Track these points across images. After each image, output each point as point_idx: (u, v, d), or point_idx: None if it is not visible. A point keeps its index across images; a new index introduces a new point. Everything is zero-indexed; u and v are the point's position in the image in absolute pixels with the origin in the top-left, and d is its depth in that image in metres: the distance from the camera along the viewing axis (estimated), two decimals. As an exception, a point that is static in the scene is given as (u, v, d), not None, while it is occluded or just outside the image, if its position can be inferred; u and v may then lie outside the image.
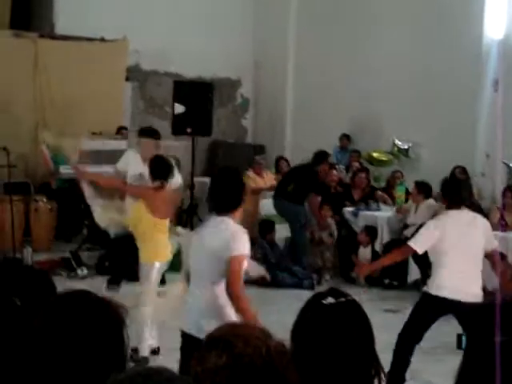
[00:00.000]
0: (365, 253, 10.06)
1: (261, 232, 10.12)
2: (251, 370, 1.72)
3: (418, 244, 6.04)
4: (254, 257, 9.86)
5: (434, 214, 9.74)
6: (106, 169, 10.63)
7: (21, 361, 2.01)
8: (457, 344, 7.07)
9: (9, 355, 2.17)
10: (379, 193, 11.27)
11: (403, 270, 9.68)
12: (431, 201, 10.08)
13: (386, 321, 7.39)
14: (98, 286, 9.12)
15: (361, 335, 2.30)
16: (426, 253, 9.30)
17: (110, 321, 1.98)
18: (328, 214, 10.49)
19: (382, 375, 2.34)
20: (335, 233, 10.43)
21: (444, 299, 5.97)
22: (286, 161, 12.48)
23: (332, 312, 2.30)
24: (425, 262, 9.43)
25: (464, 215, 6.08)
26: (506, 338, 1.86)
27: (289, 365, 1.78)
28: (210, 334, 1.84)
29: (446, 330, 7.91)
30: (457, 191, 6.07)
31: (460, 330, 6.38)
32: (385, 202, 11.02)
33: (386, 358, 2.37)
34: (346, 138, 13.59)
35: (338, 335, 2.27)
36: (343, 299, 2.35)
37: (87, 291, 2.07)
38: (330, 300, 2.32)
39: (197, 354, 1.79)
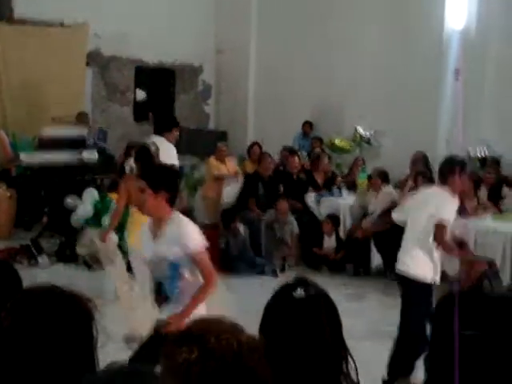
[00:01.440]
0: (330, 242, 10.11)
1: (223, 221, 10.08)
2: (223, 365, 1.71)
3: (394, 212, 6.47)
4: (217, 247, 9.89)
5: (393, 202, 9.90)
6: (66, 155, 10.55)
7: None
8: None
9: None
10: (339, 179, 11.32)
11: (366, 257, 9.75)
12: (390, 187, 10.17)
13: (349, 307, 7.44)
14: (58, 273, 9.07)
15: (331, 327, 2.31)
16: (387, 239, 9.44)
17: (78, 315, 1.96)
18: (284, 206, 10.31)
19: (350, 360, 2.35)
20: (296, 229, 10.36)
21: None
22: (260, 147, 12.44)
23: (303, 305, 2.29)
24: (386, 249, 9.56)
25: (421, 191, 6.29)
26: (472, 332, 1.86)
27: (260, 359, 1.78)
28: (181, 330, 1.82)
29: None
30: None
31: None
32: (348, 188, 11.09)
33: (349, 343, 2.39)
34: (308, 124, 13.64)
35: (309, 328, 2.27)
36: (313, 292, 2.34)
37: (54, 285, 2.05)
38: (300, 293, 2.31)
39: (166, 348, 1.77)
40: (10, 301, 2.00)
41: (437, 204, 5.83)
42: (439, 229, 5.78)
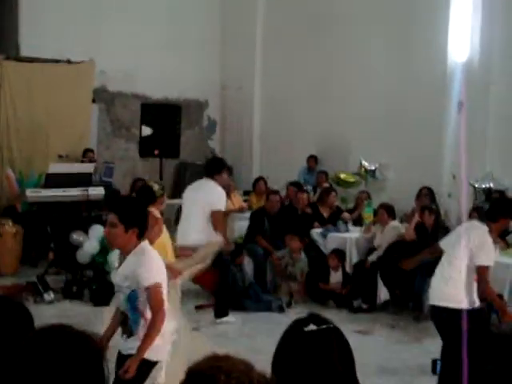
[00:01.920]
0: (336, 277, 10.07)
1: (230, 256, 10.05)
2: None
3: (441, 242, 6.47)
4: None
5: (399, 236, 9.90)
6: (73, 192, 10.58)
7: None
8: (432, 369, 7.05)
9: None
10: (345, 214, 11.31)
11: (372, 292, 9.70)
12: (396, 222, 10.17)
13: (356, 342, 7.38)
14: (65, 310, 9.03)
15: (344, 360, 2.29)
16: (393, 274, 9.41)
17: (90, 355, 1.95)
18: (297, 245, 10.32)
19: None
20: (306, 266, 10.35)
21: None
22: (265, 181, 12.47)
23: (314, 340, 2.29)
24: (393, 283, 9.52)
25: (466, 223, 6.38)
26: (492, 367, 1.86)
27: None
28: (191, 367, 1.81)
29: (416, 351, 7.98)
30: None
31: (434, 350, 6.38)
32: (354, 223, 11.08)
33: (360, 379, 2.38)
34: (313, 158, 13.68)
35: (322, 362, 2.26)
36: (325, 326, 2.33)
37: (66, 325, 2.04)
38: (312, 327, 2.31)
39: None
40: (21, 340, 1.99)
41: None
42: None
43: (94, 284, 9.64)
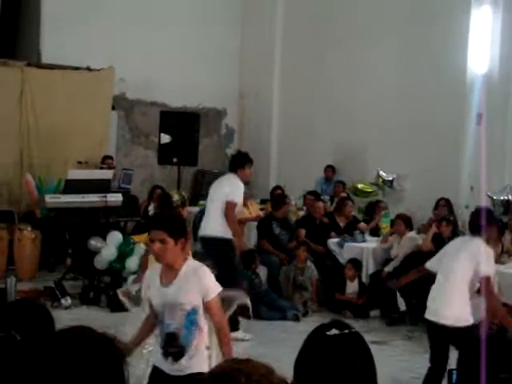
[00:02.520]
0: (352, 287, 10.06)
1: (244, 262, 10.07)
2: None
3: (428, 262, 6.54)
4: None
5: (417, 247, 9.88)
6: (91, 198, 10.65)
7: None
8: (447, 380, 7.01)
9: None
10: (362, 224, 11.30)
11: (389, 302, 9.67)
12: (413, 233, 10.16)
13: (372, 353, 7.37)
14: (81, 315, 9.07)
15: (365, 366, 2.31)
16: (410, 285, 9.38)
17: (110, 358, 1.97)
18: (304, 254, 10.37)
19: None
20: (315, 273, 10.36)
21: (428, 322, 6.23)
22: (282, 190, 12.49)
23: (337, 343, 2.31)
24: (409, 294, 9.49)
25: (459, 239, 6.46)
26: (506, 375, 1.87)
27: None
28: (212, 369, 1.83)
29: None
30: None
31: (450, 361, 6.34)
32: (371, 233, 11.07)
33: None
34: (330, 168, 13.67)
35: (343, 367, 2.28)
36: (347, 331, 2.36)
37: (87, 327, 2.06)
38: (335, 331, 2.33)
39: None
40: (43, 342, 2.02)
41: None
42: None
43: (110, 290, 9.68)
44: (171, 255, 4.47)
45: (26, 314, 2.55)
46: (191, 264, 4.56)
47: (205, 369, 4.42)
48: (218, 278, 4.72)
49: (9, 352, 2.30)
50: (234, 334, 7.94)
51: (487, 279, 5.99)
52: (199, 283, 4.46)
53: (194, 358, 4.49)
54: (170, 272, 4.53)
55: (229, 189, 8.43)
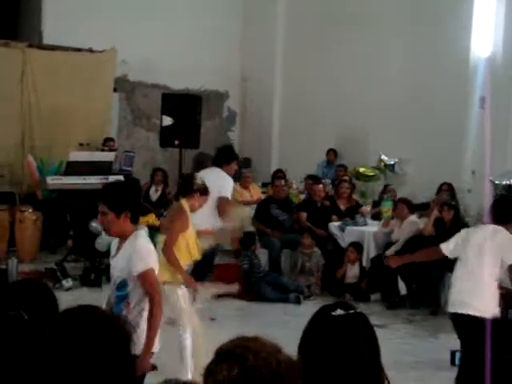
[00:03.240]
0: (353, 270, 10.08)
1: (243, 244, 10.08)
2: (262, 382, 1.73)
3: (444, 244, 6.22)
4: (240, 267, 9.91)
5: (418, 230, 9.88)
6: (92, 180, 10.65)
7: (30, 376, 2.01)
8: (450, 360, 7.05)
9: (17, 369, 2.16)
10: (364, 208, 11.31)
11: (391, 286, 9.69)
12: (414, 217, 10.16)
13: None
14: (82, 297, 9.09)
15: (370, 346, 2.33)
16: (411, 269, 9.40)
17: (117, 336, 1.98)
18: (309, 241, 10.38)
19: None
20: (321, 259, 10.39)
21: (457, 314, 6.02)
22: (283, 174, 12.48)
23: (342, 323, 2.32)
24: (410, 278, 9.51)
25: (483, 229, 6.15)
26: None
27: (298, 379, 1.79)
28: (221, 346, 1.84)
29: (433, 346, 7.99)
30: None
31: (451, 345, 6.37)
32: (372, 216, 11.07)
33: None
34: (333, 152, 13.65)
35: (349, 346, 2.29)
36: (352, 311, 2.37)
37: (94, 306, 2.07)
38: (340, 312, 2.35)
39: (208, 365, 1.79)
40: (50, 321, 2.02)
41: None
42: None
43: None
44: (113, 227, 4.45)
45: (30, 294, 2.57)
46: (133, 237, 4.47)
47: (137, 351, 4.17)
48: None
49: (18, 331, 2.32)
50: None
51: None
52: (131, 256, 4.40)
53: None
54: (121, 244, 4.55)
55: (222, 184, 8.28)
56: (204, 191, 6.67)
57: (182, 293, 6.34)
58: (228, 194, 8.38)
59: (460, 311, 5.90)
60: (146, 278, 4.40)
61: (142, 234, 4.54)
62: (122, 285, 4.43)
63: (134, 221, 4.50)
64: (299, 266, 10.34)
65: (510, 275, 5.90)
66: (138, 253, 4.40)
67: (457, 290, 6.03)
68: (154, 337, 4.38)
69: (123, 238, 4.51)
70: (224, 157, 8.65)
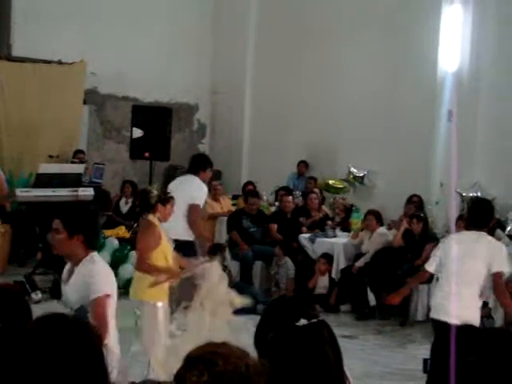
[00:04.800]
0: (323, 281, 10.13)
1: (210, 254, 10.05)
2: None
3: (427, 264, 6.16)
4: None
5: (388, 242, 9.96)
6: (62, 192, 10.59)
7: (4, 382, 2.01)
8: (423, 368, 7.06)
9: None
10: (330, 223, 11.31)
11: (360, 297, 9.75)
12: (384, 229, 10.25)
13: (342, 347, 7.42)
14: (52, 310, 9.00)
15: (334, 351, 2.36)
16: (380, 279, 9.47)
17: (89, 341, 2.00)
18: (280, 252, 10.43)
19: None
20: (291, 271, 10.41)
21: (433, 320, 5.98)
22: (254, 186, 12.50)
23: (308, 333, 2.34)
24: (380, 289, 9.58)
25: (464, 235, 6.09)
26: (471, 359, 1.93)
27: (266, 383, 1.82)
28: (190, 352, 1.86)
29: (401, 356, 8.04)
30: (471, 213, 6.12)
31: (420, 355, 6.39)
32: (342, 228, 11.14)
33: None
34: (303, 164, 13.69)
35: (315, 355, 2.31)
36: (315, 320, 2.40)
37: (64, 314, 2.09)
38: (303, 322, 2.37)
39: (177, 373, 1.81)
40: (21, 328, 2.04)
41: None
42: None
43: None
44: (63, 248, 4.32)
45: (3, 302, 2.57)
46: (88, 260, 4.31)
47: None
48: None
49: None
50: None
51: (499, 276, 5.77)
52: (84, 280, 4.24)
53: None
54: (71, 268, 4.38)
55: (194, 192, 8.25)
56: (164, 200, 6.49)
57: (162, 311, 6.16)
58: (200, 202, 8.39)
59: (441, 318, 5.82)
60: (95, 305, 4.21)
61: (99, 258, 4.42)
62: (81, 312, 4.21)
63: (90, 246, 4.35)
64: (273, 277, 10.36)
65: (494, 284, 5.81)
66: (93, 277, 4.25)
67: (438, 296, 5.99)
68: None
69: (74, 260, 4.35)
70: (200, 163, 8.64)
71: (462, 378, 1.86)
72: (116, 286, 4.43)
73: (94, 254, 4.38)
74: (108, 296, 4.25)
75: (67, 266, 4.48)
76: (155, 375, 6.08)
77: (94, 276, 4.25)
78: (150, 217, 6.38)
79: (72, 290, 4.32)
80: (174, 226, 8.08)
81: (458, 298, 5.76)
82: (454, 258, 5.85)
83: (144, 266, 6.14)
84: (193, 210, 8.20)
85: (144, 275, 6.10)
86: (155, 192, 6.52)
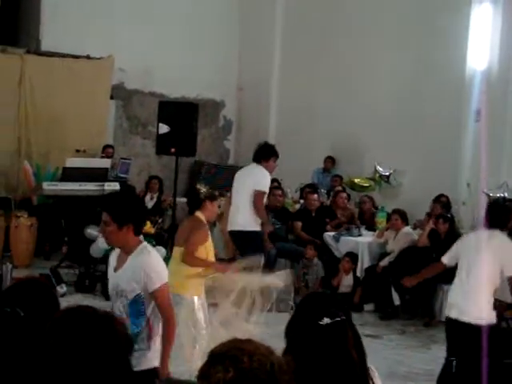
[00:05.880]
0: (347, 280, 10.10)
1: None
2: None
3: (444, 256, 6.27)
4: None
5: (413, 242, 9.91)
6: (89, 186, 10.66)
7: (24, 374, 2.03)
8: (447, 369, 7.03)
9: (12, 364, 2.19)
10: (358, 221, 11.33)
11: (384, 297, 9.70)
12: (409, 228, 10.20)
13: (366, 346, 7.40)
14: (77, 303, 9.07)
15: (357, 348, 2.36)
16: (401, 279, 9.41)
17: (115, 334, 2.01)
18: (311, 253, 10.40)
19: None
20: (320, 272, 10.37)
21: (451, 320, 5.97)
22: (278, 183, 12.48)
23: (331, 332, 2.35)
24: (404, 289, 9.52)
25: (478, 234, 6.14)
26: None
27: (291, 380, 1.82)
28: (214, 349, 1.86)
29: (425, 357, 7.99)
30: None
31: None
32: (367, 227, 11.09)
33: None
34: (330, 160, 13.60)
35: (339, 353, 2.32)
36: (338, 318, 2.39)
37: (91, 306, 2.11)
38: (327, 320, 2.37)
39: (200, 369, 1.81)
40: (49, 318, 2.05)
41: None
42: None
43: (106, 278, 9.68)
44: (115, 239, 4.37)
45: (29, 292, 2.62)
46: (142, 250, 4.37)
47: (155, 364, 4.28)
48: None
49: (12, 327, 2.36)
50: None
51: None
52: (143, 270, 4.29)
53: (141, 352, 4.24)
54: (123, 256, 4.41)
55: (256, 178, 8.43)
56: (212, 197, 6.60)
57: (199, 304, 6.29)
58: (264, 189, 8.46)
59: (454, 317, 5.89)
60: (160, 294, 4.31)
61: (151, 248, 4.48)
62: (138, 300, 4.30)
63: (137, 233, 4.41)
64: (301, 277, 10.33)
65: (510, 286, 5.85)
66: (153, 268, 4.32)
67: (453, 295, 6.04)
68: (170, 350, 4.36)
69: (126, 250, 4.40)
70: (263, 153, 8.73)
71: (497, 379, 1.84)
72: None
73: (145, 242, 4.49)
74: (167, 284, 4.37)
75: (115, 254, 4.52)
76: (188, 368, 6.19)
77: (155, 266, 4.34)
78: (199, 214, 6.47)
79: (127, 278, 4.34)
80: (239, 217, 8.13)
81: (469, 296, 5.80)
82: (466, 255, 5.97)
83: (191, 260, 6.29)
84: (259, 196, 8.34)
85: (182, 270, 6.23)
86: (203, 189, 6.61)
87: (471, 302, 5.81)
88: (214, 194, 6.68)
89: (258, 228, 8.50)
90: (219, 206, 6.93)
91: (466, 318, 5.75)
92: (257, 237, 8.48)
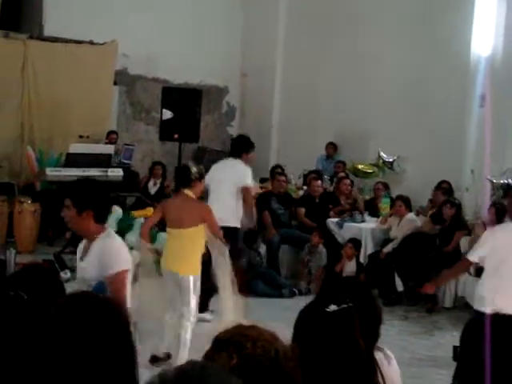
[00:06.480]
0: (350, 266, 10.10)
1: (246, 241, 10.08)
2: (261, 370, 1.75)
3: (469, 254, 6.03)
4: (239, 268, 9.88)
5: (416, 228, 9.90)
6: (92, 172, 10.66)
7: (27, 357, 2.04)
8: (453, 356, 7.02)
9: (13, 349, 2.20)
10: (361, 205, 11.34)
11: (388, 283, 9.71)
12: (412, 215, 10.19)
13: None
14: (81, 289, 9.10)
15: (364, 336, 2.36)
16: (408, 265, 9.42)
17: (118, 319, 2.01)
18: (316, 239, 10.36)
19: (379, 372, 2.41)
20: (324, 260, 10.37)
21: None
22: (282, 169, 12.46)
23: (338, 319, 2.34)
24: (407, 275, 9.53)
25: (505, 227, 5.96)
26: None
27: (296, 367, 1.81)
28: (218, 335, 1.86)
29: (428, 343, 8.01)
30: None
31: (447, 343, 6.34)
32: (370, 213, 11.09)
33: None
34: (332, 146, 13.61)
35: (345, 340, 2.31)
36: (345, 305, 2.39)
37: (94, 293, 2.12)
38: (333, 307, 2.36)
39: (205, 354, 1.81)
40: (53, 303, 2.06)
41: None
42: None
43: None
44: (76, 224, 4.35)
45: (35, 278, 2.64)
46: (106, 236, 4.33)
47: None
48: None
49: (16, 310, 2.38)
50: (202, 315, 7.61)
51: None
52: (103, 254, 4.25)
53: None
54: (87, 245, 4.38)
55: (240, 174, 8.26)
56: (201, 176, 6.83)
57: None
58: (251, 184, 8.45)
59: (480, 309, 5.61)
60: (115, 280, 4.18)
61: (113, 234, 4.43)
62: (100, 288, 4.17)
63: (100, 221, 4.35)
64: (305, 263, 10.34)
65: None
66: (113, 251, 4.27)
67: (484, 288, 5.82)
68: None
69: (88, 237, 4.37)
70: (243, 146, 8.60)
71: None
72: (131, 262, 4.41)
73: (110, 229, 4.43)
74: (126, 271, 4.25)
75: (82, 243, 4.49)
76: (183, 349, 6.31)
77: (112, 252, 4.27)
78: (187, 191, 6.64)
79: (90, 266, 4.29)
80: (220, 212, 8.02)
81: (503, 290, 5.64)
82: (502, 249, 5.71)
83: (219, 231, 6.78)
84: (249, 192, 8.29)
85: (189, 253, 6.53)
86: (194, 169, 6.76)
87: (502, 295, 5.54)
88: (203, 173, 6.92)
89: (237, 224, 8.33)
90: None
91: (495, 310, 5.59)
92: (234, 234, 8.28)
